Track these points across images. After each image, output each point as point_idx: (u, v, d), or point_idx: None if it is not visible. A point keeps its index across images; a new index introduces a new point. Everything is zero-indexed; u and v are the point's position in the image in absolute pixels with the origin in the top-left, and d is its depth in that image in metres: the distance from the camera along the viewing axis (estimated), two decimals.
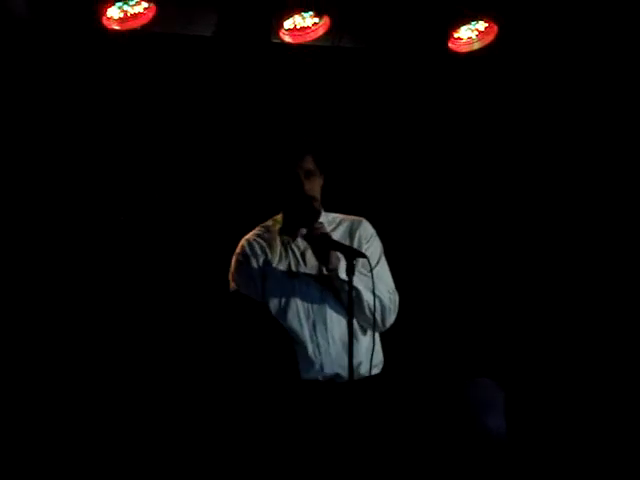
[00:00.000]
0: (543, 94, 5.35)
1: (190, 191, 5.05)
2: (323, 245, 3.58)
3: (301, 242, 3.72)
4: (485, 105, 5.40)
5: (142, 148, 5.02)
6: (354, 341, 3.52)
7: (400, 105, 5.35)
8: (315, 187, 3.73)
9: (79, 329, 4.69)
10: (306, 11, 4.75)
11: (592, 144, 5.43)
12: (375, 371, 3.66)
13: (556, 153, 5.46)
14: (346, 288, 3.50)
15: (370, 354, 3.60)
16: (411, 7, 4.88)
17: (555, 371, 5.20)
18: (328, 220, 3.75)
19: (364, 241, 3.75)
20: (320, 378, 3.57)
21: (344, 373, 3.52)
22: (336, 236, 3.68)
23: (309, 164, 3.74)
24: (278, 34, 4.79)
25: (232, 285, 3.76)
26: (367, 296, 3.59)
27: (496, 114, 5.45)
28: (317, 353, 3.58)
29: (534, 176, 5.47)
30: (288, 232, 3.76)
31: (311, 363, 3.57)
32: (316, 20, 4.78)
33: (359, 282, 3.56)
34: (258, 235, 3.80)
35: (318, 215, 3.66)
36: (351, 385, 3.43)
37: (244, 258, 3.75)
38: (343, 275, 3.53)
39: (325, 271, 3.62)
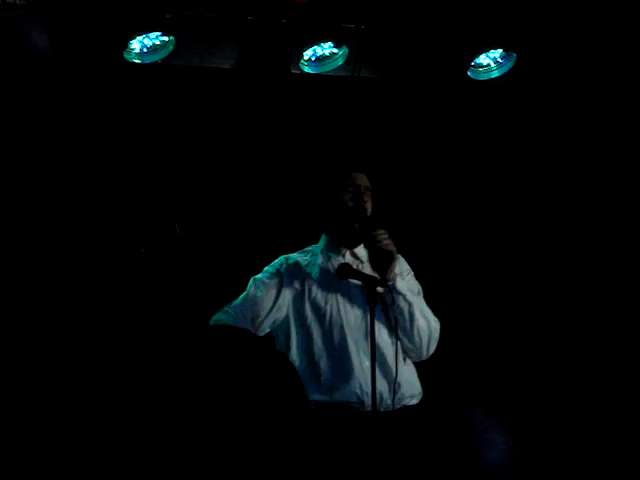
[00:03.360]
0: (562, 120, 5.35)
1: (215, 224, 5.09)
2: (349, 272, 3.56)
3: (344, 260, 3.70)
4: (505, 132, 5.41)
5: (166, 180, 5.06)
6: (399, 366, 3.52)
7: (421, 134, 5.37)
8: (370, 203, 3.72)
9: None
10: (325, 41, 4.77)
11: (610, 169, 5.43)
12: (414, 401, 3.62)
13: (577, 178, 5.47)
14: (399, 302, 3.50)
15: (412, 382, 3.59)
16: (429, 37, 4.90)
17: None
18: (365, 254, 3.72)
19: (405, 274, 3.74)
20: (360, 396, 3.50)
21: (386, 395, 3.49)
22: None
23: (366, 181, 3.74)
24: (297, 64, 4.83)
25: (251, 291, 3.66)
26: (419, 316, 3.57)
27: (516, 141, 5.45)
28: (361, 371, 3.52)
29: (559, 206, 5.47)
30: (333, 250, 3.72)
31: (356, 381, 3.51)
32: (335, 50, 4.81)
33: (414, 301, 3.56)
34: (300, 254, 3.77)
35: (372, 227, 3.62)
36: (378, 416, 3.42)
37: (277, 271, 3.68)
38: (401, 287, 3.51)
39: (379, 282, 3.55)
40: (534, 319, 5.38)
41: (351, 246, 3.74)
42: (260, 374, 3.05)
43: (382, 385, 3.49)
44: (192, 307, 4.89)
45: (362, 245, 3.74)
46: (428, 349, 3.65)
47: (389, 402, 3.50)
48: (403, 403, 3.55)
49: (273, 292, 3.64)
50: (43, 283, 4.81)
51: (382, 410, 3.48)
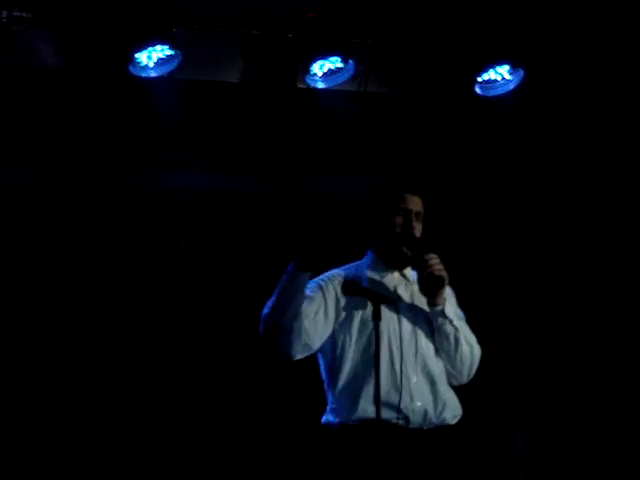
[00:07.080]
0: (570, 137, 5.33)
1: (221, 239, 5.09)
2: (355, 289, 3.52)
3: (392, 278, 3.62)
4: (513, 147, 5.39)
5: (173, 195, 5.09)
6: (437, 385, 3.51)
7: (429, 149, 5.35)
8: (420, 227, 3.62)
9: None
10: (332, 56, 4.76)
11: (623, 183, 5.41)
12: (454, 421, 3.57)
13: (588, 193, 5.45)
14: (446, 327, 3.49)
15: (451, 402, 3.56)
16: (436, 52, 4.90)
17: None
18: (413, 275, 3.64)
19: (451, 299, 3.67)
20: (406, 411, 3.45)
21: (431, 412, 3.47)
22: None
23: (419, 205, 3.62)
24: (304, 79, 4.82)
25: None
26: (463, 342, 3.54)
27: (526, 157, 5.43)
28: (401, 384, 3.47)
29: (569, 223, 5.45)
30: (381, 270, 3.63)
31: (398, 393, 3.46)
32: (342, 65, 4.80)
33: (460, 326, 3.53)
34: (343, 270, 3.65)
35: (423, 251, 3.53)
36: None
37: (325, 284, 3.55)
38: (449, 312, 3.49)
39: (428, 306, 3.52)
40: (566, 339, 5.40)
41: (399, 268, 3.67)
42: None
43: (428, 402, 3.48)
44: (195, 319, 4.91)
45: (410, 267, 3.68)
46: (469, 374, 3.62)
47: (433, 420, 3.48)
48: (446, 423, 3.53)
49: (321, 306, 3.54)
50: (45, 298, 4.83)
51: (425, 428, 3.47)
